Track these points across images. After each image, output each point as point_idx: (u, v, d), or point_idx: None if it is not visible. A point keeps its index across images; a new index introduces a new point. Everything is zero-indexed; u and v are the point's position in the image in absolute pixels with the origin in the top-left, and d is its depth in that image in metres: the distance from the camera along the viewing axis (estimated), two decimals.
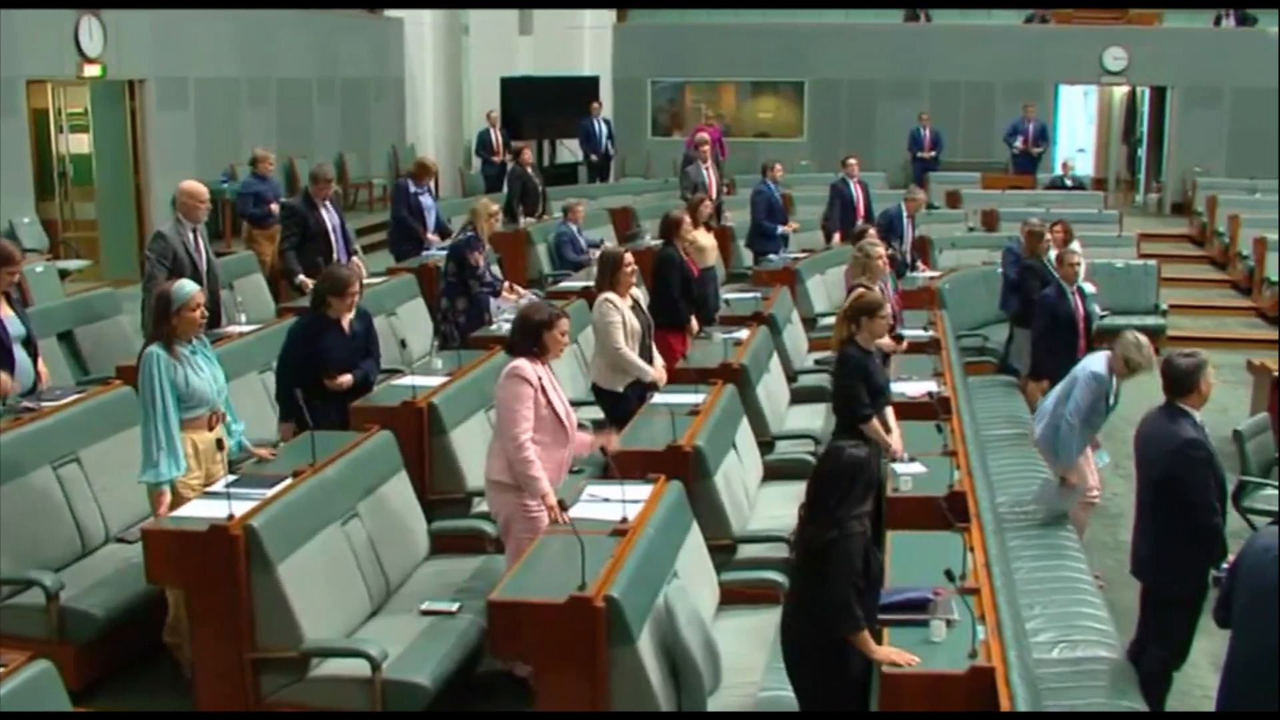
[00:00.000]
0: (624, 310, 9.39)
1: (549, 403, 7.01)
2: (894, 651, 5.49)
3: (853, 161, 17.41)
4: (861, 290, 9.11)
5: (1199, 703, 7.20)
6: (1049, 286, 10.87)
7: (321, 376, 8.22)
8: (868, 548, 5.67)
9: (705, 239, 13.25)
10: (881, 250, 10.54)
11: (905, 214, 15.22)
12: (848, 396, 8.12)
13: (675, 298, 11.02)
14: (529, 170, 17.57)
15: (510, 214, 16.14)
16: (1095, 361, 8.64)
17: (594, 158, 22.76)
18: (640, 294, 10.06)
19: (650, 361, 9.61)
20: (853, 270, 10.58)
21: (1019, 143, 23.35)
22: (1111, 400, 8.62)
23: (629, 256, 9.68)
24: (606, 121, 22.97)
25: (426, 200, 14.58)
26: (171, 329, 7.09)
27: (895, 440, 8.18)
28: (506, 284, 12.09)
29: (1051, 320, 10.66)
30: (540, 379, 7.01)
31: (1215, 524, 6.71)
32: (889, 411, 8.44)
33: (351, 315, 8.48)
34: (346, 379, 8.37)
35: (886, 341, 9.19)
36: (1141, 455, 7.15)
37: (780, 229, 16.32)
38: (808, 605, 5.68)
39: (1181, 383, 6.90)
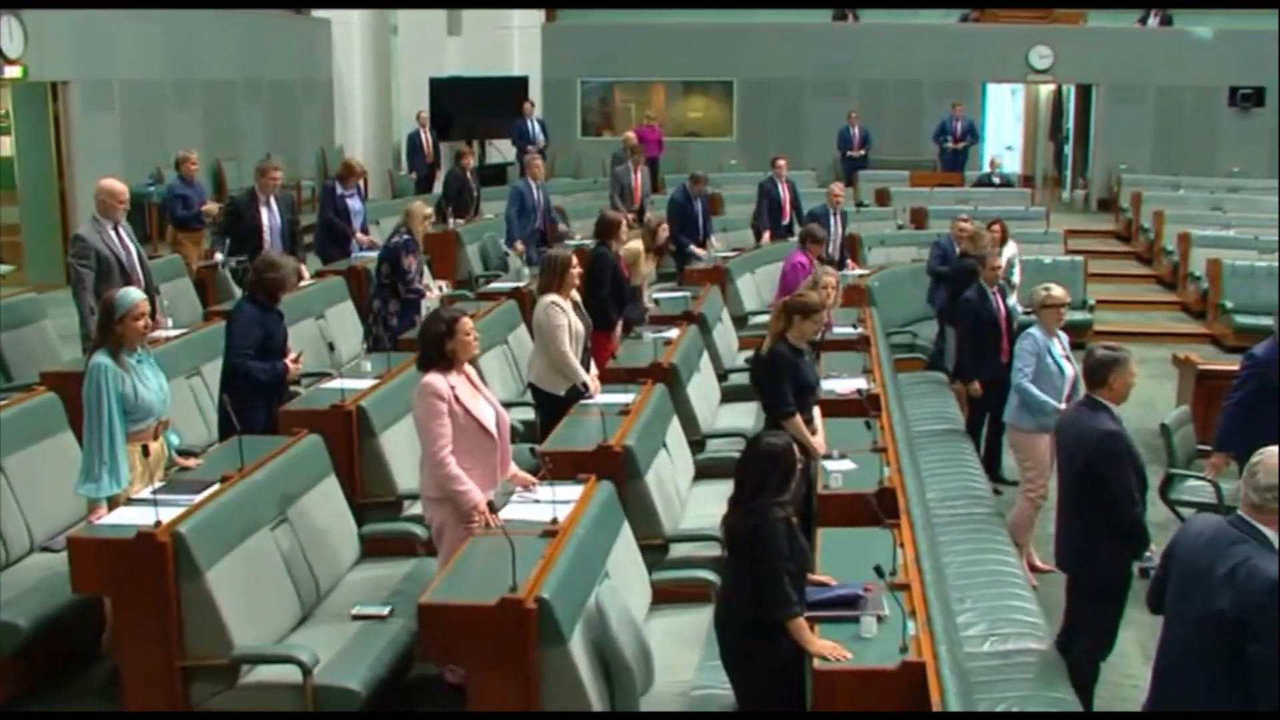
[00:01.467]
0: (569, 313, 9.38)
1: (467, 411, 6.89)
2: (828, 645, 5.53)
3: (781, 162, 17.47)
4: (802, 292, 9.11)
5: (1128, 692, 7.28)
6: (971, 288, 10.96)
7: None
8: (793, 534, 5.73)
9: (647, 267, 13.20)
10: (831, 280, 10.45)
11: (831, 211, 15.22)
12: (774, 393, 8.15)
13: (605, 298, 11.01)
14: (468, 175, 17.47)
15: (441, 215, 16.08)
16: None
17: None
18: (579, 300, 10.05)
19: (588, 367, 9.60)
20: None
21: (949, 142, 23.54)
22: (1057, 363, 9.05)
23: (575, 260, 9.66)
24: (540, 121, 22.93)
25: (354, 203, 14.42)
26: (116, 337, 7.01)
27: (818, 439, 8.22)
28: (430, 284, 11.95)
29: (975, 322, 10.75)
30: (454, 389, 6.89)
31: (1136, 515, 6.79)
32: (815, 410, 8.48)
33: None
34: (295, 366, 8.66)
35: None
36: (1062, 449, 7.24)
37: (692, 248, 15.82)
38: (737, 592, 5.75)
39: (1095, 375, 6.99)
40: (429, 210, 11.93)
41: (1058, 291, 9.26)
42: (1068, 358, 9.17)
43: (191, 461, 7.50)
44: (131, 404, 6.96)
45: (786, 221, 17.11)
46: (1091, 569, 6.94)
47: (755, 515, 5.70)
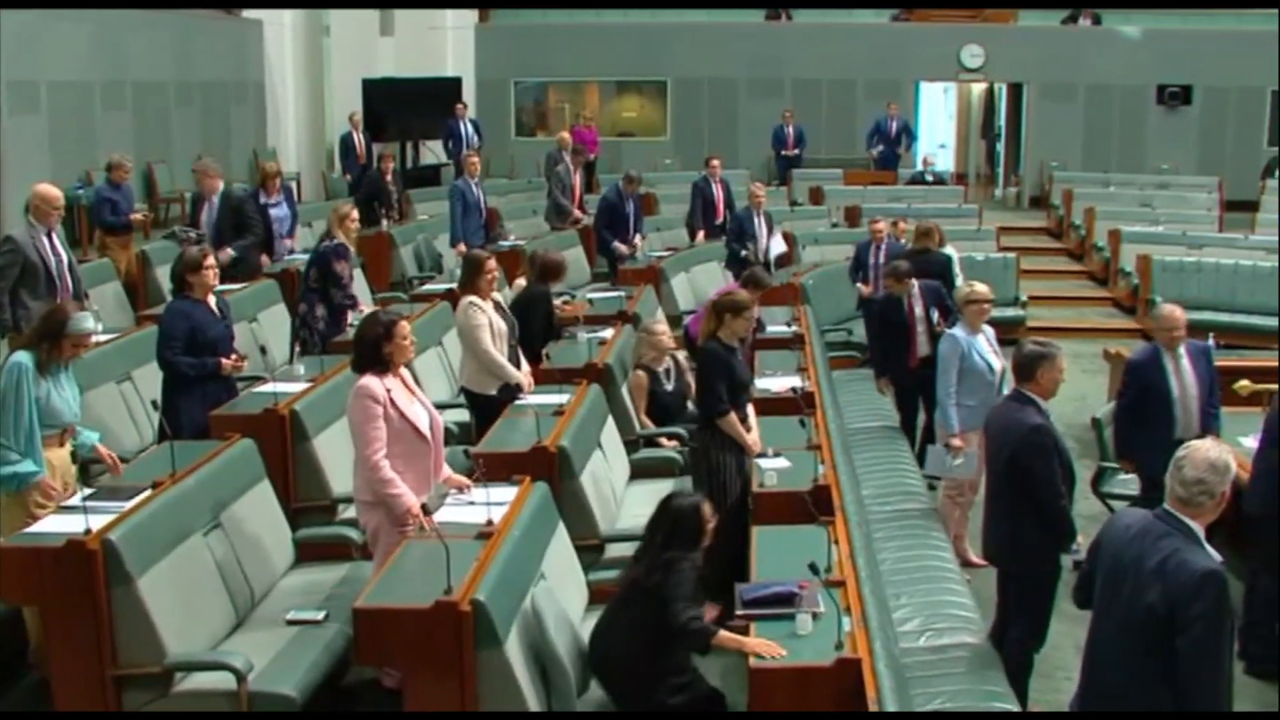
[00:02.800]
0: (489, 312, 9.35)
1: (401, 414, 6.88)
2: (761, 642, 5.61)
3: (715, 162, 17.57)
4: (732, 289, 9.15)
5: (1060, 684, 7.32)
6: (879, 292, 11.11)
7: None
8: (701, 576, 6.01)
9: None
10: (663, 329, 10.32)
11: (755, 213, 15.23)
12: (708, 391, 8.17)
13: (534, 334, 11.06)
14: (387, 179, 17.28)
15: (370, 219, 15.97)
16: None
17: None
18: (501, 297, 10.00)
19: (518, 365, 9.58)
20: (638, 347, 10.28)
21: (880, 144, 23.66)
22: (984, 359, 9.14)
23: (491, 261, 9.64)
24: (474, 122, 22.86)
25: (279, 211, 14.13)
26: (50, 349, 7.08)
27: (753, 437, 8.25)
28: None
29: (882, 324, 10.87)
30: (389, 392, 6.89)
31: (1061, 508, 6.85)
32: (750, 409, 8.51)
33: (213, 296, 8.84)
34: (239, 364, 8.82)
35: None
36: (989, 442, 7.28)
37: (616, 245, 15.79)
38: (628, 642, 5.99)
39: (1023, 369, 7.06)
40: (349, 211, 11.72)
41: (980, 288, 9.34)
42: (996, 352, 9.27)
43: (117, 466, 7.43)
44: (43, 407, 7.01)
45: (720, 221, 17.14)
46: (1019, 561, 7.01)
47: (660, 570, 5.93)
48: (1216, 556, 4.86)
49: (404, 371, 7.17)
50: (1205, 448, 4.96)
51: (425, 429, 6.99)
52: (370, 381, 6.87)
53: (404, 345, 7.03)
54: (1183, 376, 8.59)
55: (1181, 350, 8.65)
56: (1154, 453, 7.38)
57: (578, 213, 17.91)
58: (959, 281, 13.06)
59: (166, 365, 8.66)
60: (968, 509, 9.39)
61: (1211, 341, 12.80)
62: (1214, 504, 4.90)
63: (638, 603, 6.01)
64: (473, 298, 9.37)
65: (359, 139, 21.35)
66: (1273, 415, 7.74)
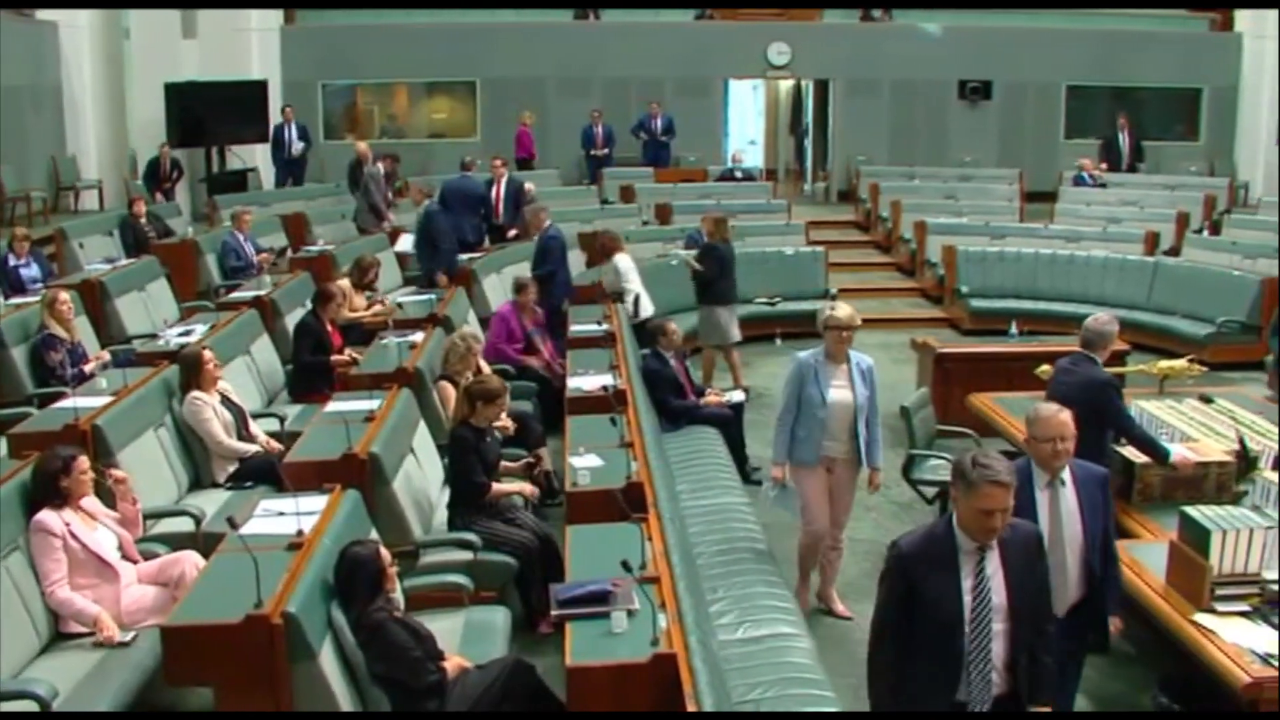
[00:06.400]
0: (214, 405, 9.13)
1: (84, 545, 6.79)
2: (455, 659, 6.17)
3: (497, 161, 18.39)
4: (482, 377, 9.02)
5: None
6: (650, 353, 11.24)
7: None
8: (402, 623, 6.09)
9: (359, 301, 13.24)
10: (475, 342, 10.30)
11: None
12: (464, 473, 8.14)
13: (306, 361, 11.05)
14: (139, 221, 16.92)
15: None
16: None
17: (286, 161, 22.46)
18: (229, 388, 9.65)
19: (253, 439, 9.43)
20: (450, 355, 10.09)
21: (645, 135, 23.90)
22: (821, 392, 8.13)
23: (208, 354, 9.32)
24: (301, 126, 22.53)
25: (29, 271, 13.80)
26: None
27: (526, 486, 8.29)
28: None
29: (658, 380, 10.97)
30: (69, 525, 6.80)
31: None
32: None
33: None
34: None
35: (505, 423, 9.24)
36: None
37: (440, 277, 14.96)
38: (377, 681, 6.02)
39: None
40: (63, 297, 11.16)
41: (841, 312, 8.39)
42: (850, 385, 8.21)
43: None
44: None
45: (498, 221, 17.75)
46: None
47: (364, 631, 5.95)
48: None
49: (86, 501, 7.04)
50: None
51: (110, 556, 6.91)
52: (46, 516, 6.80)
53: (83, 480, 6.98)
54: (1059, 510, 5.91)
55: (1066, 476, 5.94)
56: None
57: (390, 217, 17.85)
58: (632, 285, 13.34)
59: None
60: (836, 560, 8.59)
61: (1014, 328, 13.23)
62: None
63: (366, 650, 6.03)
64: (195, 393, 9.11)
65: (165, 167, 20.95)
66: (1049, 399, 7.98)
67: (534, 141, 24.04)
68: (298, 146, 22.30)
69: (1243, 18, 25.54)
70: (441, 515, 8.37)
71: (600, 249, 14.37)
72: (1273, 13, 24.10)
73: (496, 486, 8.16)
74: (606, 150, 23.85)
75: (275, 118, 22.94)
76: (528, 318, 12.20)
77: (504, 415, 8.96)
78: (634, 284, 13.62)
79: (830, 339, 8.33)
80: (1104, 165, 23.05)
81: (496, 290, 14.72)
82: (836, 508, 8.37)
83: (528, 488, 8.46)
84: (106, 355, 11.15)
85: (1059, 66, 25.37)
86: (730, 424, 10.95)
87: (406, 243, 16.30)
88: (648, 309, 13.55)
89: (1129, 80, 25.46)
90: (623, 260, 13.73)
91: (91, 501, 7.08)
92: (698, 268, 13.41)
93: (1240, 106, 25.48)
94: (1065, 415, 5.86)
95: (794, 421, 8.19)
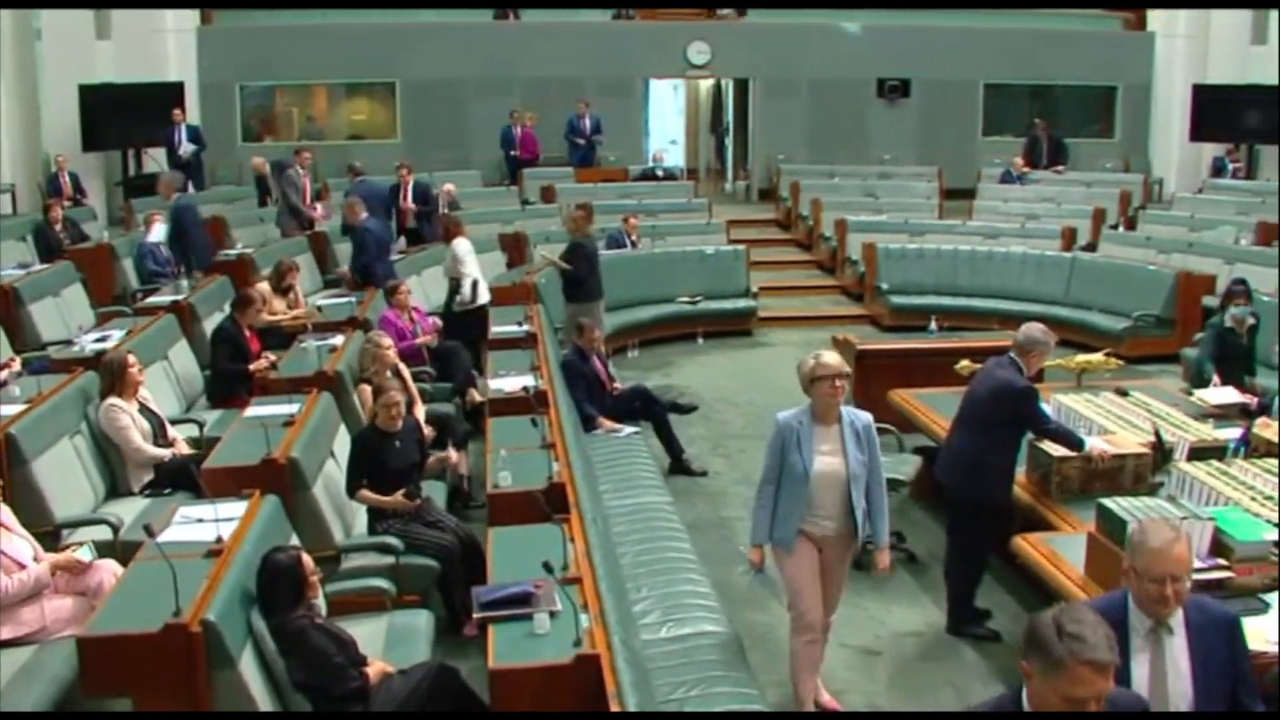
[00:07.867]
0: (132, 413, 8.98)
1: (2, 552, 6.67)
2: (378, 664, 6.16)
3: (403, 168, 18.58)
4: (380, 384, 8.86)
5: None
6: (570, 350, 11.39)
7: None
8: (324, 629, 6.09)
9: (279, 306, 13.16)
10: (387, 342, 10.12)
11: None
12: (348, 476, 8.15)
13: (222, 368, 11.00)
14: (54, 228, 16.58)
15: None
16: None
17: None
18: (149, 395, 9.49)
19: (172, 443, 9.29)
20: (363, 358, 10.04)
21: (578, 136, 23.83)
22: (804, 460, 6.69)
23: (132, 360, 9.15)
24: (191, 128, 22.18)
25: None
26: None
27: (397, 499, 8.09)
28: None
29: (578, 377, 11.08)
30: None
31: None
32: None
33: None
34: None
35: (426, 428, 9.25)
36: None
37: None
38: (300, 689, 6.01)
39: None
40: None
41: (830, 359, 6.76)
42: (842, 450, 6.73)
43: None
44: None
45: (410, 225, 18.03)
46: None
47: (285, 638, 5.94)
48: None
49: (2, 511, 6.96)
50: None
51: (27, 560, 6.78)
52: None
53: None
54: (1163, 668, 4.51)
55: (1178, 620, 4.52)
56: None
57: (315, 214, 17.76)
58: (468, 270, 13.45)
59: None
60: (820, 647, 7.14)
61: (934, 325, 13.33)
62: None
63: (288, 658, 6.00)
64: (113, 400, 8.96)
65: (65, 181, 20.42)
66: (967, 395, 8.06)
67: (537, 142, 23.82)
68: (187, 149, 21.71)
69: (1155, 17, 25.87)
70: (364, 519, 8.31)
71: (444, 233, 14.53)
72: (1184, 12, 24.48)
73: (363, 494, 8.05)
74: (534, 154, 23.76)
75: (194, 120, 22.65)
76: (406, 315, 12.13)
77: (420, 418, 8.92)
78: (471, 269, 13.60)
79: (820, 393, 6.70)
80: (1022, 161, 23.29)
81: (417, 291, 14.64)
82: (828, 590, 6.99)
83: (400, 500, 8.04)
84: (17, 363, 10.96)
85: (977, 65, 25.60)
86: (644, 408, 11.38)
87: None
88: (484, 295, 13.63)
89: (1046, 78, 25.74)
90: (460, 245, 13.69)
91: (6, 513, 6.96)
92: (566, 267, 13.50)
93: (1154, 104, 25.80)
94: (1182, 546, 4.42)
95: (775, 495, 6.80)
